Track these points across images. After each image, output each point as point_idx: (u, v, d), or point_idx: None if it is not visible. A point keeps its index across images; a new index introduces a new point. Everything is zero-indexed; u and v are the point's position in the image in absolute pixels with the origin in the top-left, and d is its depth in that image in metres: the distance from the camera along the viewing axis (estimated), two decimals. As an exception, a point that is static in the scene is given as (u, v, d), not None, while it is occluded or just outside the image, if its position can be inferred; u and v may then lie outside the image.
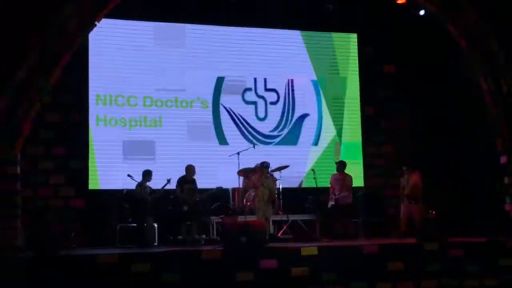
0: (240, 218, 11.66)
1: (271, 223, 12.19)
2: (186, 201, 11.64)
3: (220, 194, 12.50)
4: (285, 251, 10.05)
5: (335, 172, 12.89)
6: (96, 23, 10.70)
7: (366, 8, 13.88)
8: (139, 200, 11.61)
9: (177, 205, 11.74)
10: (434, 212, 12.11)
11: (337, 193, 12.30)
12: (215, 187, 12.17)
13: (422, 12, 13.24)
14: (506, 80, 12.36)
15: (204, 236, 12.00)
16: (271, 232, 11.89)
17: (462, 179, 13.95)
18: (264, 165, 11.92)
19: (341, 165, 12.68)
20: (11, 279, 8.16)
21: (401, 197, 12.58)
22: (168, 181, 11.68)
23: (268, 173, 11.95)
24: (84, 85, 13.02)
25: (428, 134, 14.74)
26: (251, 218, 11.50)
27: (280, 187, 12.87)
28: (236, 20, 13.87)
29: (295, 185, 13.83)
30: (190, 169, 11.93)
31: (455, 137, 14.26)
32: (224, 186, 12.56)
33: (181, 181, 11.83)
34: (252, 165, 12.67)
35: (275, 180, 12.03)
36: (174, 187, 11.89)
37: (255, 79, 14.39)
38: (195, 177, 11.99)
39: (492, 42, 12.35)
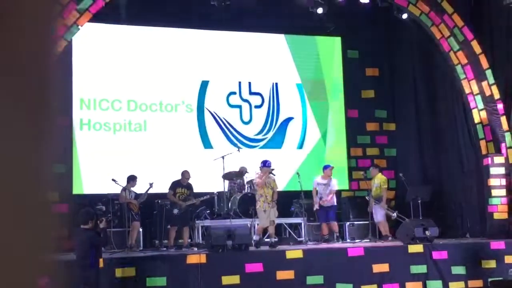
0: (226, 223, 11.64)
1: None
2: (178, 204, 11.57)
3: (207, 199, 12.44)
4: (270, 255, 10.07)
5: (319, 175, 12.82)
6: (80, 27, 10.70)
7: (350, 12, 13.93)
8: (124, 205, 11.56)
9: (164, 209, 11.71)
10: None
11: (325, 196, 12.25)
12: (208, 194, 12.17)
13: (405, 16, 13.30)
14: (489, 83, 12.48)
15: (190, 240, 11.97)
16: (272, 234, 11.51)
17: (446, 181, 14.01)
18: (266, 164, 11.53)
19: (330, 170, 12.56)
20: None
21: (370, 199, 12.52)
22: (151, 185, 11.64)
23: (271, 172, 11.63)
24: (67, 89, 12.94)
25: (412, 136, 14.81)
26: (236, 223, 11.46)
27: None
28: (221, 24, 13.86)
29: (280, 188, 13.77)
30: (184, 174, 11.86)
31: (439, 139, 14.33)
32: (209, 190, 12.50)
33: (175, 185, 11.78)
34: (237, 169, 12.66)
35: (274, 179, 11.80)
36: (156, 191, 11.86)
37: (239, 83, 14.40)
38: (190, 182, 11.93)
39: (475, 46, 12.48)
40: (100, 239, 8.10)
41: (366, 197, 12.60)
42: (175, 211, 11.51)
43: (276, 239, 11.31)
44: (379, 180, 12.60)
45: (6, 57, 0.94)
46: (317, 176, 12.62)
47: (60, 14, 10.31)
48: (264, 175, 11.36)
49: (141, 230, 11.86)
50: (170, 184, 11.75)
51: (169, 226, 11.55)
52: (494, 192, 12.17)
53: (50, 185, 1.05)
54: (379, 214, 12.28)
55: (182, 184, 11.77)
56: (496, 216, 12.15)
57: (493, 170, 12.26)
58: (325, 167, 12.59)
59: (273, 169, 11.50)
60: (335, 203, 12.44)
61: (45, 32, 1.02)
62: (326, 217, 12.20)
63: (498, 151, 12.45)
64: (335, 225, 12.31)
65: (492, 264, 10.54)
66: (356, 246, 10.71)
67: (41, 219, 1.04)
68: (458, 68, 12.71)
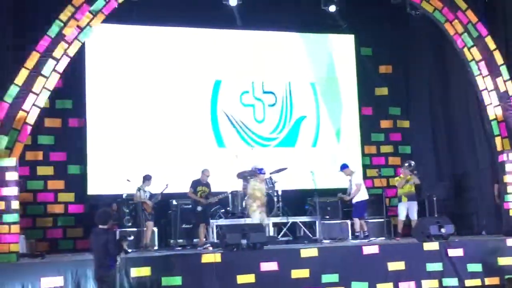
0: (240, 221, 11.71)
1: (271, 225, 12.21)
2: (201, 202, 11.64)
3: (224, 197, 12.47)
4: (285, 253, 10.05)
5: (338, 173, 12.84)
6: (93, 28, 10.74)
7: (363, 9, 13.89)
8: (139, 204, 11.59)
9: (179, 209, 11.79)
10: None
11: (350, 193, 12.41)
12: (228, 192, 12.33)
13: (418, 13, 13.22)
14: (504, 79, 12.39)
15: (205, 239, 11.99)
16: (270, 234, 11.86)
17: (461, 178, 13.95)
18: (262, 172, 11.90)
19: (349, 170, 12.66)
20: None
21: (399, 196, 12.43)
22: (167, 185, 11.69)
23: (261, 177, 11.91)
24: (81, 90, 13.00)
25: (427, 134, 14.76)
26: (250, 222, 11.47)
27: (279, 189, 12.86)
28: (233, 23, 13.82)
29: (294, 186, 13.78)
30: (204, 173, 11.91)
31: (454, 136, 14.26)
32: (222, 190, 12.50)
33: (195, 183, 11.81)
34: (250, 168, 12.65)
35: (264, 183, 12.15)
36: (170, 191, 11.93)
37: (252, 82, 14.38)
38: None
39: (489, 42, 12.41)
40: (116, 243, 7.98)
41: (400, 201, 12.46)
42: (199, 208, 11.59)
43: None
44: (413, 177, 12.44)
45: None
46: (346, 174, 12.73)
47: (74, 15, 10.37)
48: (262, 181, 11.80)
49: (155, 230, 11.91)
50: (191, 182, 11.80)
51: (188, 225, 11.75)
52: (510, 189, 12.07)
53: None
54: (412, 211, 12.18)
55: (202, 182, 11.84)
56: (512, 213, 12.05)
57: (508, 167, 12.15)
58: (343, 168, 12.63)
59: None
60: (356, 200, 12.45)
61: None
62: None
63: (513, 148, 12.34)
64: (357, 222, 12.43)
65: (508, 261, 10.46)
66: (371, 244, 10.67)
67: None
68: (473, 65, 12.61)
